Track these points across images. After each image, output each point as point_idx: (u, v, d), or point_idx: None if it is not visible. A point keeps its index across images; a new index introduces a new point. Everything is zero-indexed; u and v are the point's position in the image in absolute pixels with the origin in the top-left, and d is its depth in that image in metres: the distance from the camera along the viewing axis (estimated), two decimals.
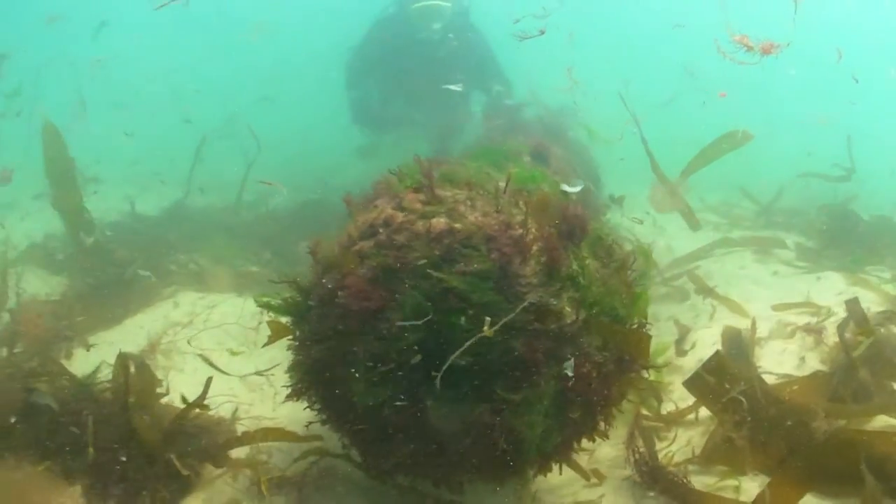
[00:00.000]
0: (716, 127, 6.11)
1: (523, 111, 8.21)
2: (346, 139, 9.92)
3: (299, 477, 2.96)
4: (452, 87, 7.99)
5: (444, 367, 2.13)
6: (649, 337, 2.45)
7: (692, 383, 3.09)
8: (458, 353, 2.08)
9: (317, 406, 2.59)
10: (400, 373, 2.28)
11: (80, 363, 4.03)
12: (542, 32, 2.84)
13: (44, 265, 6.26)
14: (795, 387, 3.31)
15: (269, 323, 2.76)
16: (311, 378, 2.53)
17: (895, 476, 2.46)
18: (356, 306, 2.26)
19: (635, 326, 2.48)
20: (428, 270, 2.18)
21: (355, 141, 9.75)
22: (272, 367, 3.88)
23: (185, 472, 2.86)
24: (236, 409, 3.46)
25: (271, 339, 2.78)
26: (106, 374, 3.34)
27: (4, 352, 3.75)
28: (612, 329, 2.33)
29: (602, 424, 2.55)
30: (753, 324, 4.18)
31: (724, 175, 7.34)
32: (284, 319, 2.68)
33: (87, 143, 6.84)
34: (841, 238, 6.77)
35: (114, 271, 5.72)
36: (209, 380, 3.14)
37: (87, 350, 4.39)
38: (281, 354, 2.79)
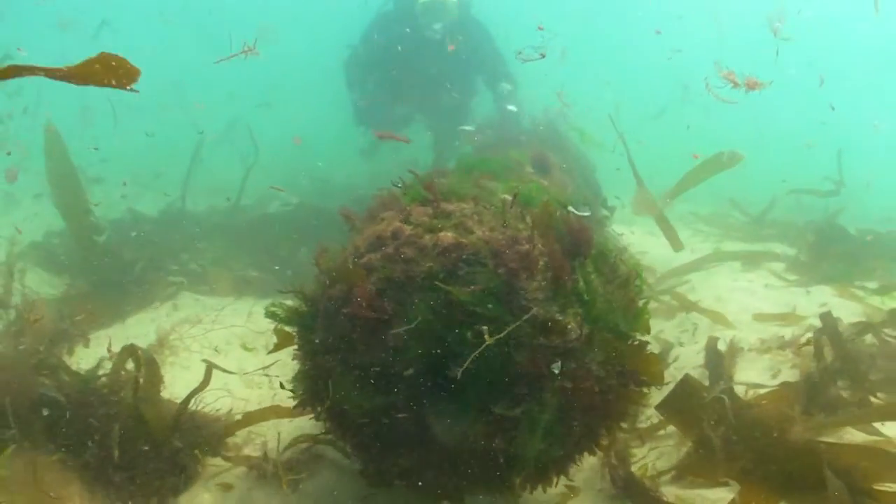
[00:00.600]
0: (710, 136, 6.23)
1: (522, 118, 8.14)
2: (344, 141, 10.00)
3: (294, 462, 3.06)
4: (466, 127, 7.68)
5: (449, 375, 2.13)
6: (658, 357, 2.46)
7: (664, 407, 3.11)
8: (469, 360, 2.09)
9: (322, 416, 2.60)
10: (404, 384, 2.29)
11: (84, 360, 4.11)
12: (543, 56, 2.97)
13: (43, 264, 6.31)
14: (764, 401, 3.31)
15: (275, 331, 2.77)
16: (315, 388, 2.52)
17: (859, 486, 2.50)
18: (363, 318, 2.25)
19: (637, 342, 2.47)
20: (435, 283, 2.17)
21: (354, 143, 9.75)
22: (271, 364, 3.93)
23: (201, 462, 2.98)
24: (231, 409, 3.56)
25: (277, 347, 2.82)
26: (107, 369, 3.42)
27: (11, 346, 3.83)
28: (616, 346, 2.33)
29: (604, 439, 2.55)
30: (732, 340, 4.27)
31: (717, 187, 7.45)
32: (290, 329, 2.68)
33: (91, 143, 6.91)
34: (829, 251, 6.84)
35: (121, 271, 5.81)
36: (209, 368, 3.25)
37: (88, 347, 4.48)
38: (288, 358, 2.88)
